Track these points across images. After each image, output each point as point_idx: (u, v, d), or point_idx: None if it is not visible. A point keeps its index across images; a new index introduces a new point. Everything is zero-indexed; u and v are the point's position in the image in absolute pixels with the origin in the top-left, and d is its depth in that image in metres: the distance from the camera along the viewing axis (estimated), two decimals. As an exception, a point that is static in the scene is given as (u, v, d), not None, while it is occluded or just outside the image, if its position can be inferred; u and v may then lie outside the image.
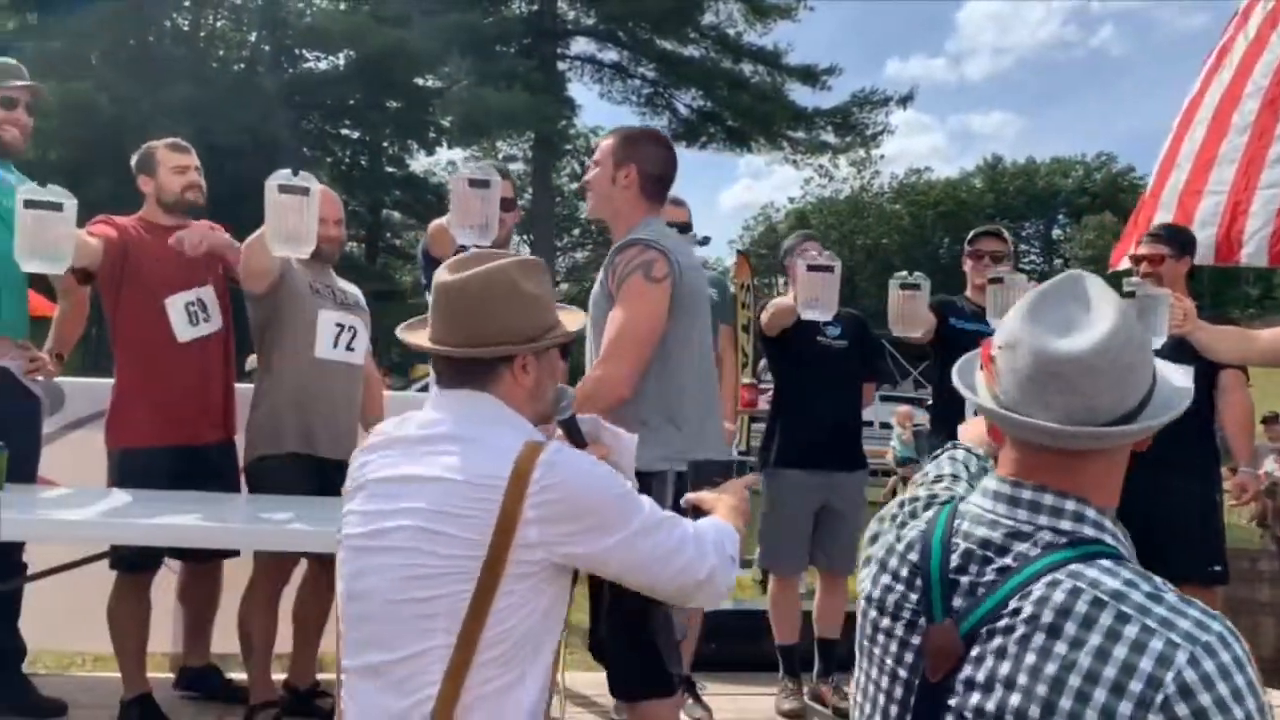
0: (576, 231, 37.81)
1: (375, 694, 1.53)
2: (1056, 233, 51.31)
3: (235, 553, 3.24)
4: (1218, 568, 3.49)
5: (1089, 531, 1.13)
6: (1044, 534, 1.13)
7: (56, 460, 3.34)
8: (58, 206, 2.61)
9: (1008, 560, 1.13)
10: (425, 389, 3.55)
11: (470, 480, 1.51)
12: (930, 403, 4.64)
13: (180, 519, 2.59)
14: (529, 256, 1.77)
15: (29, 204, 2.59)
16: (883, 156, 36.84)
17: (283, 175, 2.57)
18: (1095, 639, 1.03)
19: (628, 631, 2.29)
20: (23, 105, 3.22)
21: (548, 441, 1.60)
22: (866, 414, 4.11)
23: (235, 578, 3.34)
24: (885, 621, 1.21)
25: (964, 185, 51.44)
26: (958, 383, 1.27)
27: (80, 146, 18.67)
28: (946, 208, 48.12)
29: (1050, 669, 1.04)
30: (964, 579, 1.15)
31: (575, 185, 28.42)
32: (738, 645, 4.18)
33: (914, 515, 1.28)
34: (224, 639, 3.46)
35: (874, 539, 1.31)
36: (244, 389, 3.38)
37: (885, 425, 14.46)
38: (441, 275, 1.70)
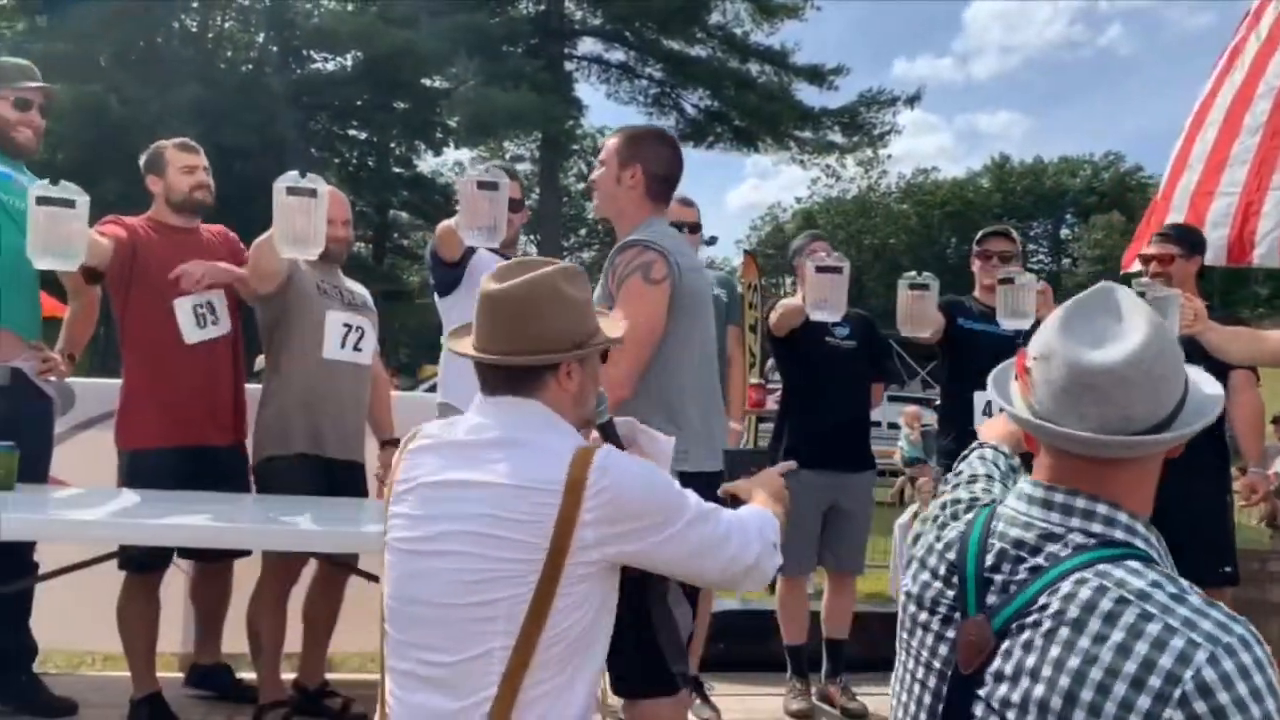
0: (583, 231, 37.86)
1: (426, 696, 1.55)
2: (1064, 232, 51.09)
3: (247, 552, 3.25)
4: (1228, 569, 3.48)
5: (1119, 535, 1.16)
6: (1075, 535, 1.17)
7: (67, 460, 3.34)
8: (70, 203, 2.62)
9: (1040, 560, 1.17)
10: (433, 389, 3.56)
11: (525, 485, 1.53)
12: (938, 403, 4.63)
13: (190, 519, 2.60)
14: (570, 264, 1.78)
15: (42, 200, 2.60)
16: (890, 156, 36.73)
17: (291, 177, 2.57)
18: (1118, 635, 1.07)
19: (628, 629, 2.28)
20: (36, 107, 3.22)
21: (598, 445, 1.63)
22: (874, 414, 4.11)
23: (245, 578, 3.35)
24: (923, 616, 1.27)
25: (971, 185, 51.22)
26: (993, 393, 1.31)
27: (89, 147, 18.75)
28: (954, 207, 47.93)
29: (1073, 662, 1.08)
30: (998, 577, 1.19)
31: (582, 185, 28.43)
32: (745, 645, 4.18)
33: (955, 517, 1.32)
34: (234, 639, 3.47)
35: (916, 539, 1.35)
36: (253, 389, 3.40)
37: (893, 425, 14.44)
38: (486, 284, 1.71)
